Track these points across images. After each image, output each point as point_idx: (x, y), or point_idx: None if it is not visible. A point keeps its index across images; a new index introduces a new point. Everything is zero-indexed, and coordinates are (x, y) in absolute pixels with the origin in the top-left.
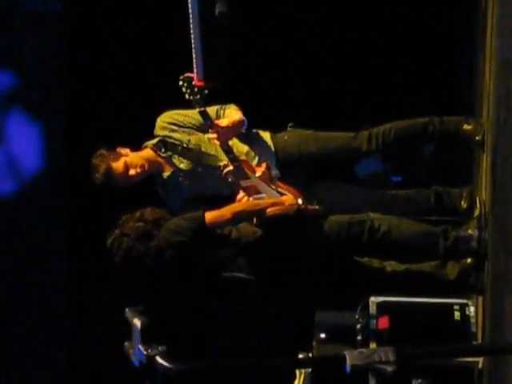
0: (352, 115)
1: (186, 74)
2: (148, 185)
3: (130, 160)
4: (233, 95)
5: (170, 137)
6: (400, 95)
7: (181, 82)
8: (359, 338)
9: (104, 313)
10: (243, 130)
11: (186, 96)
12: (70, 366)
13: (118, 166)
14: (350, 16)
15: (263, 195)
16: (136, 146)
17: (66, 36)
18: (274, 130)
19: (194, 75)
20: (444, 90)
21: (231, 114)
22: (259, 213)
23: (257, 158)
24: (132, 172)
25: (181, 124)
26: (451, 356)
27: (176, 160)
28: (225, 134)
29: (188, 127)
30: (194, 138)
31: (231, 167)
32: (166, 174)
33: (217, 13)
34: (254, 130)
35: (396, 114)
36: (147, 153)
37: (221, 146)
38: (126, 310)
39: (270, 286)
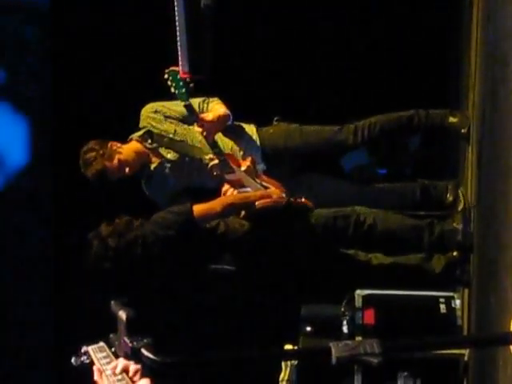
0: (338, 109)
1: (172, 68)
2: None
3: (124, 157)
4: (218, 88)
5: (156, 127)
6: (385, 88)
7: (166, 76)
8: (345, 331)
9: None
10: (228, 123)
11: (172, 89)
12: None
13: (112, 165)
14: (335, 10)
15: (248, 189)
16: (123, 139)
17: (54, 30)
18: (260, 124)
19: (180, 67)
20: (430, 83)
21: (215, 108)
22: (248, 205)
23: (242, 152)
24: (127, 170)
25: (166, 115)
26: (437, 348)
27: (163, 151)
28: (210, 129)
29: (173, 118)
30: (179, 129)
31: (217, 161)
32: (153, 166)
33: (202, 5)
34: (240, 124)
35: (381, 106)
36: (134, 145)
37: (206, 140)
38: (112, 302)
39: (256, 279)
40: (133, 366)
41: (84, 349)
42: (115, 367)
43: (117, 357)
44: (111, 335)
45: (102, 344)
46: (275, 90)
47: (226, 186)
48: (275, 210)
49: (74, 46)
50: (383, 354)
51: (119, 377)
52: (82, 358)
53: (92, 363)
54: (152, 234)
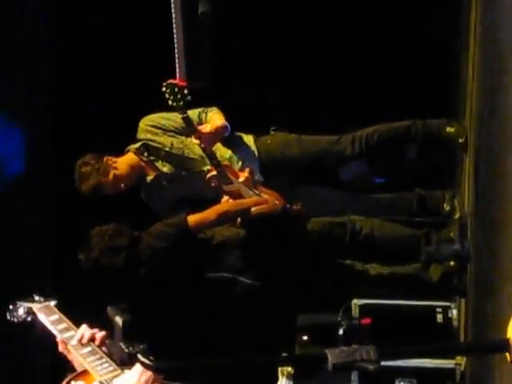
0: (336, 118)
1: (169, 81)
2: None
3: (119, 173)
4: (216, 97)
5: (153, 140)
6: (384, 98)
7: (164, 89)
8: (341, 340)
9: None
10: (226, 134)
11: (169, 102)
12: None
13: (107, 181)
14: (333, 20)
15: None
16: (121, 149)
17: (53, 39)
18: (257, 132)
19: (177, 75)
20: (427, 93)
21: (214, 119)
22: (244, 213)
23: (240, 163)
24: (122, 186)
25: (163, 127)
26: (433, 355)
27: (159, 164)
28: (208, 140)
29: (171, 131)
30: (176, 142)
31: (214, 172)
32: (149, 178)
33: (200, 12)
34: (237, 134)
35: (379, 116)
36: (130, 157)
37: (204, 151)
38: (108, 307)
39: (252, 287)
40: (99, 334)
41: (20, 304)
42: (81, 338)
43: (67, 318)
44: (107, 340)
45: (46, 303)
46: (273, 100)
47: (224, 198)
48: (271, 217)
49: (73, 55)
50: (379, 361)
51: (89, 348)
52: (21, 314)
53: (36, 321)
54: (148, 247)
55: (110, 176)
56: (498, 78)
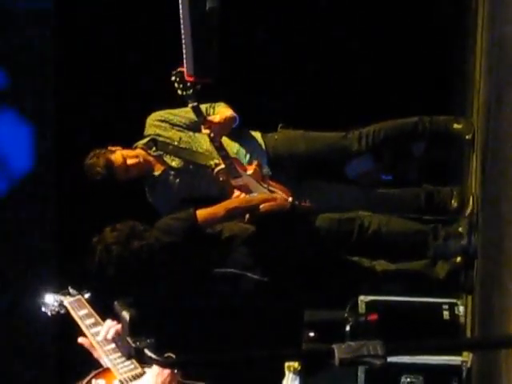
0: (342, 115)
1: (179, 69)
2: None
3: (125, 152)
4: (223, 95)
5: (161, 135)
6: (390, 95)
7: (173, 77)
8: (348, 336)
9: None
10: (235, 126)
11: (179, 91)
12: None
13: (116, 157)
14: (339, 16)
15: (254, 194)
16: (127, 146)
17: (56, 35)
18: (265, 130)
19: (184, 71)
20: (434, 89)
21: (222, 111)
22: (252, 209)
23: (248, 156)
24: (131, 161)
25: (171, 122)
26: (440, 350)
27: (167, 158)
28: (217, 131)
29: (178, 126)
30: (184, 137)
31: (223, 165)
32: (156, 173)
33: (207, 8)
34: (245, 129)
35: (386, 113)
36: (138, 153)
37: (213, 142)
38: (115, 302)
39: (260, 283)
40: None
41: (54, 297)
42: (106, 333)
43: (97, 312)
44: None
45: (78, 296)
46: (280, 97)
47: (236, 193)
48: (279, 213)
49: (77, 51)
50: (386, 356)
51: (112, 345)
52: (54, 307)
53: (68, 314)
54: (157, 240)
55: (118, 155)
56: (506, 73)
